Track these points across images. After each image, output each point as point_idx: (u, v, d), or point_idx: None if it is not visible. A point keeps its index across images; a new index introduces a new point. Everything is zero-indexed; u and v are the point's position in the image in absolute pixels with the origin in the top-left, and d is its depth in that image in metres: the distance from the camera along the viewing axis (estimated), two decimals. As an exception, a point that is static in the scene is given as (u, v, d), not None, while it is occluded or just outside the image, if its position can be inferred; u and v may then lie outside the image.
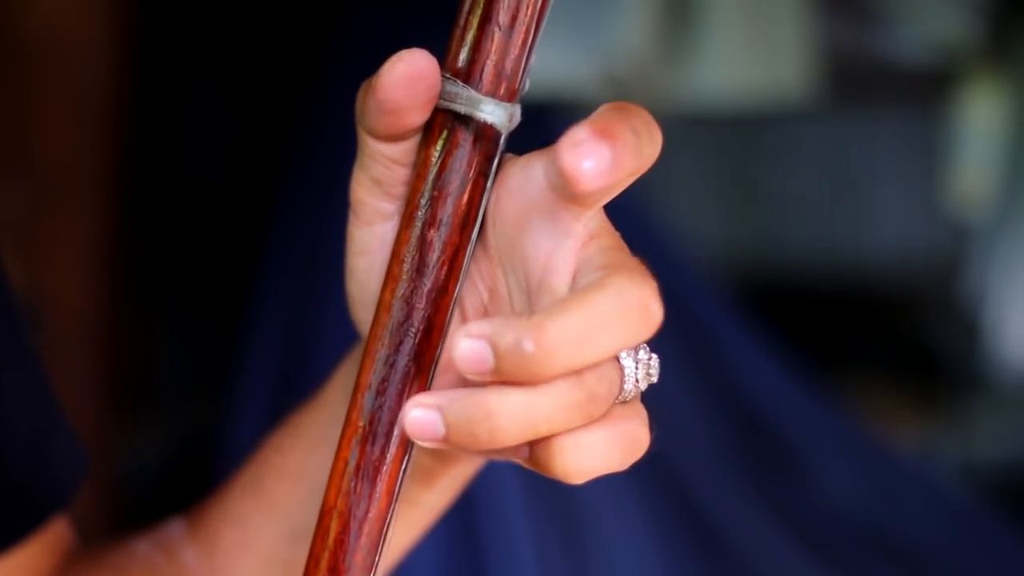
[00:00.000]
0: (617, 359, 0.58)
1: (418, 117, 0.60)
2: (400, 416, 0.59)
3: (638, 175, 0.58)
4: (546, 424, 0.56)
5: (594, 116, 0.56)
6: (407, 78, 0.59)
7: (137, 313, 2.29)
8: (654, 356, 0.60)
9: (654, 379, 0.60)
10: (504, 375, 0.55)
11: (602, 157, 0.55)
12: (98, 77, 1.93)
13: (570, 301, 0.56)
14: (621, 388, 0.58)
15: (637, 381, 0.59)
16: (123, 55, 1.98)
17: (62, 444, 0.76)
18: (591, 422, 0.57)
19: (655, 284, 0.57)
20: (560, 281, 0.59)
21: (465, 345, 0.54)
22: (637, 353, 0.59)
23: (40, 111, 1.90)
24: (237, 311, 2.03)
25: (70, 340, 1.91)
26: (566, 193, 0.58)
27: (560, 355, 0.55)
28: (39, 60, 1.87)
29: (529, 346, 0.54)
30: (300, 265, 1.90)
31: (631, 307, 0.56)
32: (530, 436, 0.56)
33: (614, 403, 0.58)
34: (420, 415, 0.56)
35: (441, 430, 0.56)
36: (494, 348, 0.54)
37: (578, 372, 0.56)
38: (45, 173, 1.91)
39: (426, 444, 0.57)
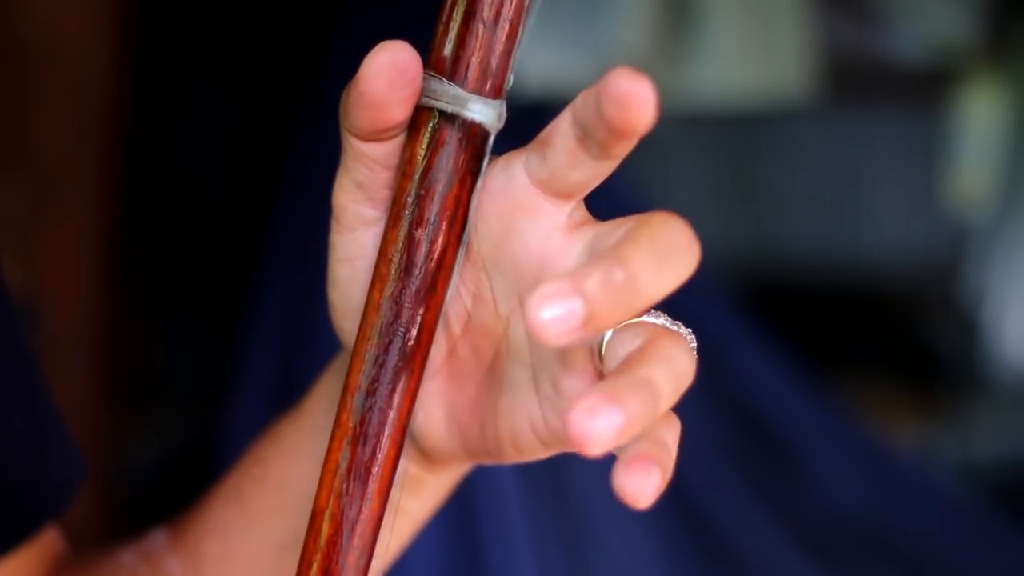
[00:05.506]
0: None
1: (399, 112, 0.59)
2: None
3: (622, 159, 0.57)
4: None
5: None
6: (388, 69, 0.58)
7: (137, 313, 2.29)
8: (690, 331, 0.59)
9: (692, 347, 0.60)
10: (599, 319, 0.51)
11: (649, 90, 0.53)
12: (98, 77, 1.93)
13: (629, 235, 0.54)
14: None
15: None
16: (123, 55, 1.98)
17: (58, 451, 0.75)
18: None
19: None
20: (562, 272, 0.58)
21: (547, 312, 0.50)
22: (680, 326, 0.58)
23: (40, 111, 1.90)
24: (237, 311, 2.03)
25: (69, 340, 1.91)
26: (605, 128, 0.54)
27: (646, 281, 0.53)
28: (39, 60, 1.87)
29: (619, 275, 0.52)
30: (299, 265, 1.90)
31: (678, 229, 0.55)
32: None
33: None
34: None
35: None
36: (583, 293, 0.51)
37: None
38: (45, 173, 1.90)
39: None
